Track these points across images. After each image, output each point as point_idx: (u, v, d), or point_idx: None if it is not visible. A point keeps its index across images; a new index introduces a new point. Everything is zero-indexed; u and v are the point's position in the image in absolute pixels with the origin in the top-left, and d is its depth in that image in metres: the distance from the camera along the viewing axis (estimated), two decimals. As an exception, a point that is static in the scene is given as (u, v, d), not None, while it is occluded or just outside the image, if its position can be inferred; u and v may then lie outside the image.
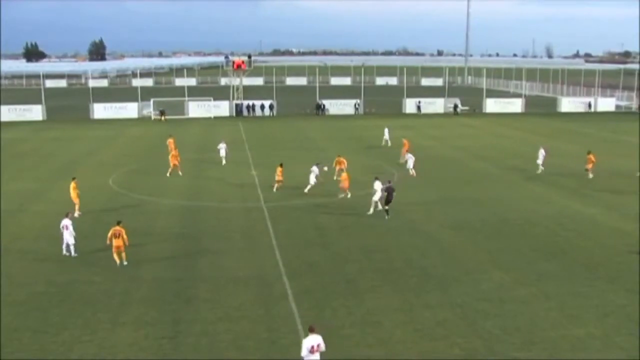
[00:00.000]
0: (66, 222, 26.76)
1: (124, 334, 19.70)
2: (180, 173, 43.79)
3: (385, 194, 32.70)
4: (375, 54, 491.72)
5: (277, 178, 38.75)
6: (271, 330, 19.93)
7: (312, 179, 38.01)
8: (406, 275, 24.83)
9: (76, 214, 32.30)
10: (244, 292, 23.09)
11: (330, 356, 18.19)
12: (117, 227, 25.62)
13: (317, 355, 16.13)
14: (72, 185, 33.58)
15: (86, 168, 47.52)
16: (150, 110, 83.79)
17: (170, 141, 50.11)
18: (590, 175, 43.39)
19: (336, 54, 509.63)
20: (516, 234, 30.38)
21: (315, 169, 38.61)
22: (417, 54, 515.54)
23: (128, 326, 20.26)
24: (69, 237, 26.71)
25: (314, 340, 16.11)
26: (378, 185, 33.31)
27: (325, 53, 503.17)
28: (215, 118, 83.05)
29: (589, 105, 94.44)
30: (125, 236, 25.59)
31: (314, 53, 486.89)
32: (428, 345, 18.97)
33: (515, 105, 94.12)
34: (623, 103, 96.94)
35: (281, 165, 39.21)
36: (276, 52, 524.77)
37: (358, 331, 19.92)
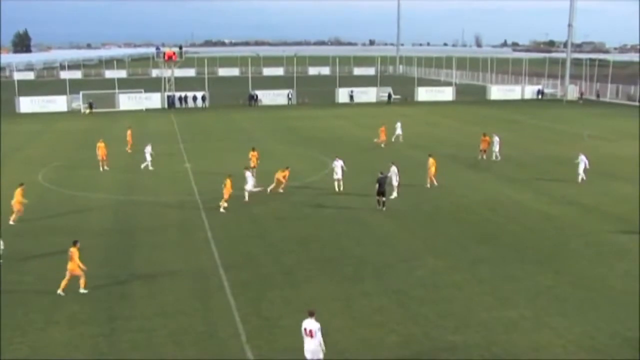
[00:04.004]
0: None
1: (58, 334, 19.26)
2: (106, 167, 43.12)
3: (377, 185, 32.56)
4: (307, 44, 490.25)
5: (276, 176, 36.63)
6: (209, 324, 19.82)
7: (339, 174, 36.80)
8: (342, 264, 25.04)
9: (11, 222, 30.40)
10: (180, 286, 22.88)
11: (269, 347, 18.29)
12: (71, 248, 22.40)
13: (313, 341, 16.18)
14: (19, 191, 30.92)
15: (13, 164, 46.10)
16: (79, 104, 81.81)
17: (128, 132, 51.05)
18: (483, 157, 45.82)
19: (268, 44, 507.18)
20: (449, 221, 30.97)
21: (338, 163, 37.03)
22: (350, 44, 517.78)
23: (62, 325, 19.81)
24: None
25: (307, 324, 16.38)
26: (249, 175, 34.54)
27: (257, 43, 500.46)
28: (147, 110, 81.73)
29: (539, 93, 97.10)
30: (77, 261, 22.13)
31: (246, 44, 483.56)
32: (366, 332, 19.20)
33: (446, 94, 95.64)
34: (549, 90, 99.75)
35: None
36: (208, 43, 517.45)
37: (296, 321, 19.82)
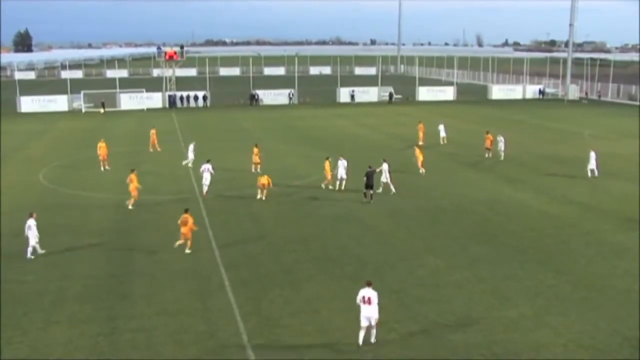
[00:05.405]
0: (31, 222, 25.55)
1: (58, 333, 19.26)
2: (107, 167, 43.12)
3: (365, 178, 33.54)
4: (308, 43, 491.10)
5: (326, 174, 36.73)
6: (209, 323, 19.83)
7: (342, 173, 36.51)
8: (342, 263, 25.05)
9: (130, 207, 33.06)
10: (180, 285, 22.88)
11: (270, 346, 18.28)
12: (185, 215, 26.24)
13: (370, 307, 17.95)
14: (133, 176, 33.38)
15: (14, 164, 46.11)
16: (80, 103, 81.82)
17: (152, 132, 51.38)
18: (489, 155, 46.27)
19: (269, 44, 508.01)
20: (450, 220, 30.95)
21: (342, 162, 36.68)
22: (351, 44, 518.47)
23: (62, 325, 19.81)
24: (32, 238, 25.50)
25: (366, 292, 18.09)
26: (207, 168, 35.60)
27: (258, 43, 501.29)
28: (148, 110, 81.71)
29: (540, 92, 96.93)
30: (191, 225, 26.12)
31: (247, 43, 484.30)
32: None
33: (447, 94, 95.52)
34: (550, 90, 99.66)
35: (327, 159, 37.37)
36: (209, 43, 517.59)
37: (297, 321, 20.00)
